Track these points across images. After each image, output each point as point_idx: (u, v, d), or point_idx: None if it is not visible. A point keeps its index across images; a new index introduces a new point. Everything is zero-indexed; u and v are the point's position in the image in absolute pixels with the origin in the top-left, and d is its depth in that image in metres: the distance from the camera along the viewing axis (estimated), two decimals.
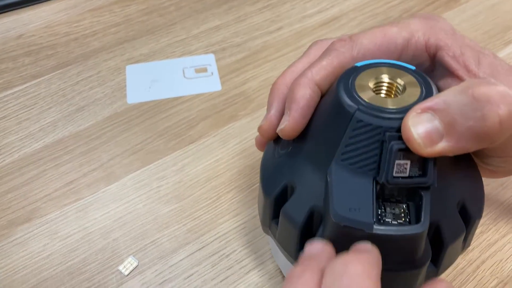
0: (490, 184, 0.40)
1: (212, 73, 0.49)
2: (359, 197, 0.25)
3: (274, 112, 0.29)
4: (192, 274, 0.35)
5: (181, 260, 0.36)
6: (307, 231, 0.27)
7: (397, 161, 0.24)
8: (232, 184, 0.40)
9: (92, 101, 0.47)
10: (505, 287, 0.34)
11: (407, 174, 0.24)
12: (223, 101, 0.47)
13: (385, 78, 0.27)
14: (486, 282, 0.34)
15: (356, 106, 0.25)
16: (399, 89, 0.26)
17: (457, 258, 0.29)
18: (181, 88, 0.48)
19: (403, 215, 0.25)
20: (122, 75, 0.49)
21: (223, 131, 0.44)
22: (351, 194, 0.25)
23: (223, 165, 0.41)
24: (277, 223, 0.29)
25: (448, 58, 0.28)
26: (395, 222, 0.25)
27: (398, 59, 0.29)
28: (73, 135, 0.44)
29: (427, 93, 0.25)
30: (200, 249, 0.36)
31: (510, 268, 0.35)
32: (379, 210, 0.25)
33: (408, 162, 0.24)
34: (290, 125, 0.27)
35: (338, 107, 0.26)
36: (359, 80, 0.26)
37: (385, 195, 0.25)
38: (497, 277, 0.34)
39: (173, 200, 0.39)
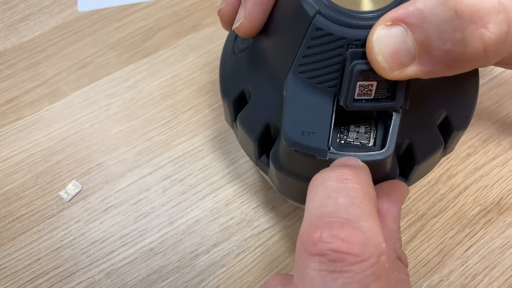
0: (483, 102, 0.35)
1: None
2: (315, 118, 0.21)
3: None
4: (140, 200, 0.32)
5: (129, 185, 0.32)
6: (265, 142, 0.24)
7: (360, 83, 0.19)
8: (191, 102, 0.36)
9: (39, 9, 0.41)
10: (487, 215, 0.30)
11: (372, 96, 0.20)
12: (186, 8, 0.41)
13: None
14: (468, 209, 0.31)
15: (316, 8, 0.20)
16: None
17: (433, 168, 0.26)
18: None
19: (368, 134, 0.21)
20: None
21: (183, 43, 0.39)
22: (306, 114, 0.21)
23: (181, 81, 0.37)
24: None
25: None
26: (357, 143, 0.21)
27: None
28: (16, 47, 0.39)
29: None
30: (150, 173, 0.33)
31: (495, 195, 0.31)
32: (341, 128, 0.22)
33: (374, 83, 0.19)
34: (246, 23, 0.22)
35: (295, 6, 0.21)
36: None
37: (349, 112, 0.21)
38: (480, 204, 0.31)
39: (123, 120, 0.35)
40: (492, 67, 0.36)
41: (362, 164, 0.20)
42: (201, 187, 0.32)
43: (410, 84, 0.20)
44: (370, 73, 0.19)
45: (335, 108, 0.21)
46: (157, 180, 0.32)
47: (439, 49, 0.17)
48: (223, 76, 0.26)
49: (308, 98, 0.21)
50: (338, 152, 0.21)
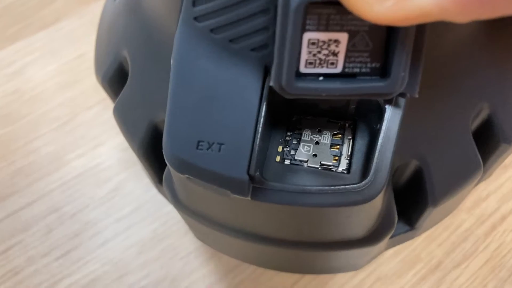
0: None
1: None
2: (226, 113, 0.11)
3: None
4: (11, 247, 0.21)
5: None
6: (156, 151, 0.15)
7: (309, 34, 0.10)
8: (99, 93, 0.25)
9: None
10: None
11: (339, 68, 0.10)
12: None
13: None
14: (507, 253, 0.20)
15: None
16: None
17: (460, 204, 0.17)
18: None
19: (336, 149, 0.13)
20: None
21: (95, 9, 0.28)
22: (209, 104, 0.11)
23: (88, 63, 0.26)
24: None
25: None
26: (315, 166, 0.12)
27: None
28: None
29: None
30: (30, 204, 0.22)
31: None
32: (287, 134, 0.12)
33: (343, 36, 0.10)
34: None
35: None
36: None
37: (300, 103, 0.12)
38: None
39: None
40: None
41: None
42: (103, 226, 0.21)
43: (423, 41, 0.10)
44: (331, 11, 0.09)
45: (267, 92, 0.11)
46: (39, 215, 0.22)
47: None
48: (98, 40, 0.17)
49: (214, 70, 0.11)
50: (273, 183, 0.11)
